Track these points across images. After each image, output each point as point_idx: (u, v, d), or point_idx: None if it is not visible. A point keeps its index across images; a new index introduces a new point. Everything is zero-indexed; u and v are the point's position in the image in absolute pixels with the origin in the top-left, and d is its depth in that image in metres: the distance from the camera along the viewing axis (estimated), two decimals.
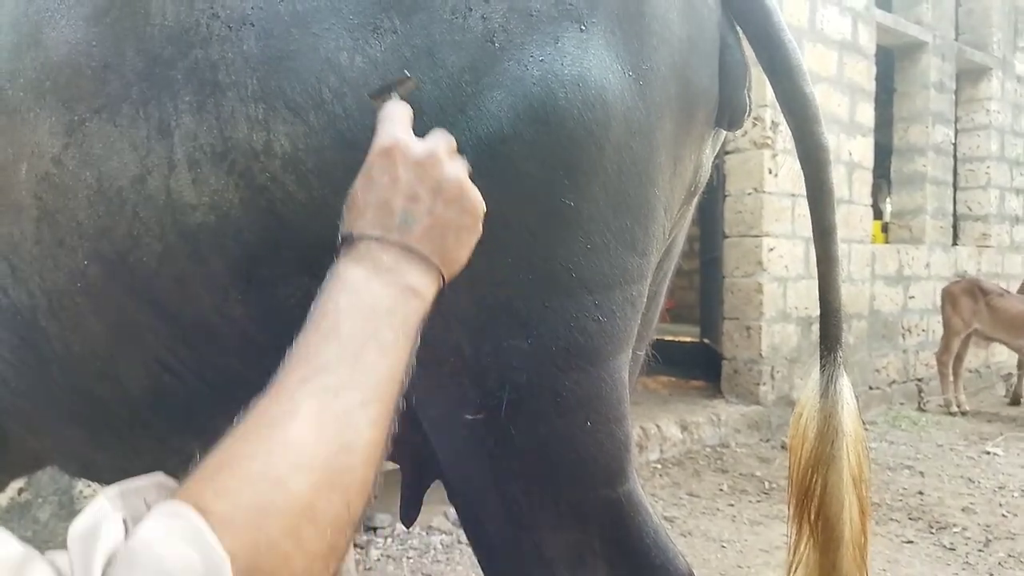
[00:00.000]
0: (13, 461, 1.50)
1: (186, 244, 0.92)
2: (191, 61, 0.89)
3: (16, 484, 2.82)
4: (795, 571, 1.12)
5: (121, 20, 0.93)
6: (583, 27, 0.84)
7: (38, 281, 1.02)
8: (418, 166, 0.73)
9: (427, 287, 0.71)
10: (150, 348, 1.02)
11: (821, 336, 1.14)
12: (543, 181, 0.85)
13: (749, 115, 1.08)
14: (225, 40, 0.87)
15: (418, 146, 0.74)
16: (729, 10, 1.03)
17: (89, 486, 3.02)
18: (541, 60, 0.83)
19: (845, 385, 1.11)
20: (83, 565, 0.43)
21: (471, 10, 0.83)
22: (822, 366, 1.12)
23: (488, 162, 0.83)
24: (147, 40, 0.91)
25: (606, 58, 0.85)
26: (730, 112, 1.04)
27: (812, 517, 1.06)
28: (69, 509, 3.06)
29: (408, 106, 0.78)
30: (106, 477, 1.51)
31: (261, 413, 0.59)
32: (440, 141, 0.76)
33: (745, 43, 1.05)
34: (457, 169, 0.75)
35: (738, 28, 1.04)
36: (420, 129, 0.78)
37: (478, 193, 0.75)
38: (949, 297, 6.07)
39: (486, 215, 0.77)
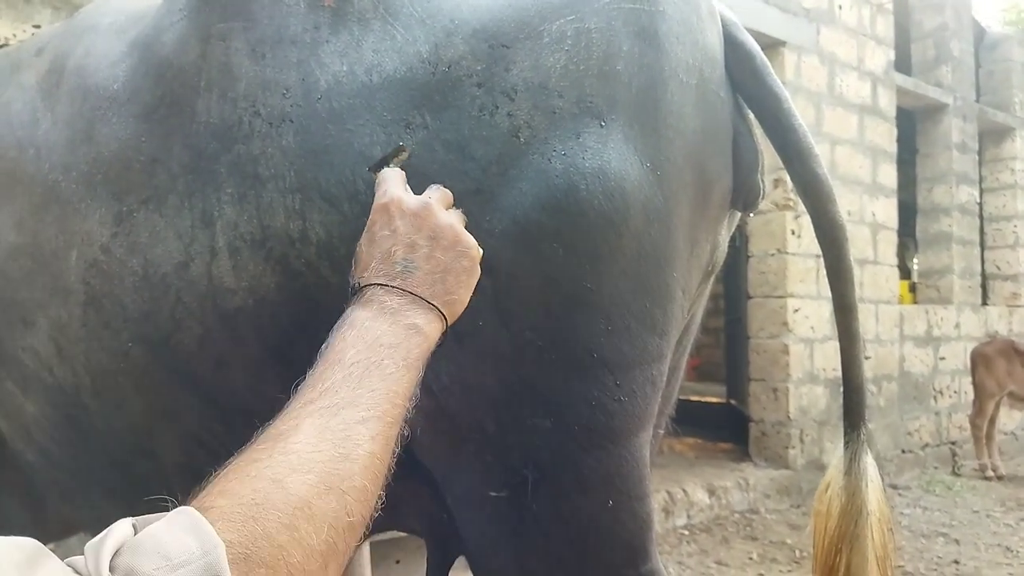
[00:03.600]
0: (49, 528, 1.53)
1: (225, 326, 0.97)
2: (234, 155, 0.95)
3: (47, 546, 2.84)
4: None
5: (169, 117, 0.99)
6: (603, 123, 0.89)
7: (83, 361, 1.07)
8: (414, 217, 0.80)
9: (429, 325, 0.76)
10: (187, 425, 1.05)
11: (844, 412, 1.15)
12: (566, 266, 0.88)
13: (763, 198, 1.11)
14: (266, 136, 0.93)
15: (412, 200, 0.81)
16: (741, 98, 1.07)
17: None
18: (564, 154, 0.87)
19: (870, 462, 1.11)
20: (95, 557, 0.47)
21: (497, 107, 0.88)
22: (846, 443, 1.13)
23: (514, 248, 0.87)
24: (193, 136, 0.97)
25: (625, 151, 0.89)
26: (744, 195, 1.08)
27: None
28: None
29: (401, 171, 0.86)
30: None
31: (268, 431, 0.63)
32: (434, 194, 0.84)
33: (757, 128, 1.10)
34: (451, 217, 0.81)
35: (750, 115, 1.08)
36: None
37: (471, 238, 0.81)
38: (982, 358, 5.96)
39: (514, 298, 0.82)
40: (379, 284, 0.76)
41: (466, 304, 0.81)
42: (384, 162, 0.87)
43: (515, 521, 0.95)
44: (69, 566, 0.46)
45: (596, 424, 0.92)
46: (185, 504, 0.54)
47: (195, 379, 1.01)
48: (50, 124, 1.12)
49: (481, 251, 0.82)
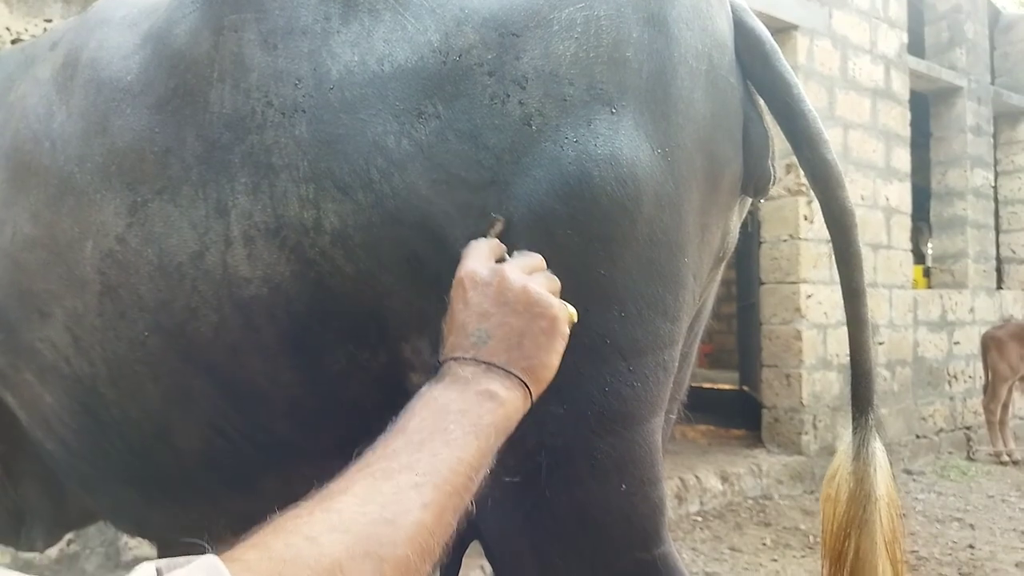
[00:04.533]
0: (69, 517, 1.56)
1: (240, 315, 0.98)
2: (247, 146, 0.95)
3: (66, 536, 2.89)
4: None
5: (182, 108, 1.00)
6: (614, 109, 0.89)
7: (99, 351, 1.09)
8: (486, 286, 0.78)
9: (506, 392, 0.73)
10: (204, 413, 1.07)
11: (853, 397, 1.15)
12: (579, 253, 0.89)
13: (774, 183, 1.11)
14: (279, 126, 0.94)
15: (484, 269, 0.79)
16: (751, 84, 1.07)
17: (135, 538, 3.08)
18: (575, 141, 0.88)
19: (878, 448, 1.11)
20: None
21: (508, 96, 0.88)
22: (854, 428, 1.13)
23: (528, 236, 0.88)
24: (206, 126, 0.98)
25: (636, 138, 0.89)
26: (755, 181, 1.08)
27: None
28: (115, 560, 3.12)
29: (493, 240, 0.85)
30: (157, 534, 1.56)
31: (320, 492, 0.61)
32: (515, 260, 0.82)
33: (767, 113, 1.09)
34: (524, 280, 0.79)
35: (760, 100, 1.08)
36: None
37: (551, 297, 0.79)
38: (994, 342, 5.92)
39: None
40: (454, 359, 0.75)
41: (554, 367, 0.78)
42: (479, 234, 0.86)
43: (529, 506, 0.96)
44: None
45: (609, 410, 0.92)
46: (218, 549, 0.54)
47: (211, 367, 1.03)
48: (65, 117, 1.13)
49: (572, 311, 0.80)
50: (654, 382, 0.96)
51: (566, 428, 0.92)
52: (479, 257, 0.81)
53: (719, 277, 1.22)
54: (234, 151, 0.96)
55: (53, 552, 2.93)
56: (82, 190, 1.07)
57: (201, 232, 0.98)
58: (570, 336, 0.87)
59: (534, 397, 0.76)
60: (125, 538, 3.09)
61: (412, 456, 0.64)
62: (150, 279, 1.02)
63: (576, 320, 0.81)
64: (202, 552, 0.52)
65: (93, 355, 1.11)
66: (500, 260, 0.83)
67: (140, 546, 3.13)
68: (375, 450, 0.66)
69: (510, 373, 0.74)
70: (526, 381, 0.75)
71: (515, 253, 0.85)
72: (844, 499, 1.09)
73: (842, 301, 1.17)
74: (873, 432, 1.12)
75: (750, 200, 1.16)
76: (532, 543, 0.98)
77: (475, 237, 0.86)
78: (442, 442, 0.66)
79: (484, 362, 0.74)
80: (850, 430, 1.16)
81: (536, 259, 0.83)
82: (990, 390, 5.95)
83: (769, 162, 1.07)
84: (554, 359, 0.78)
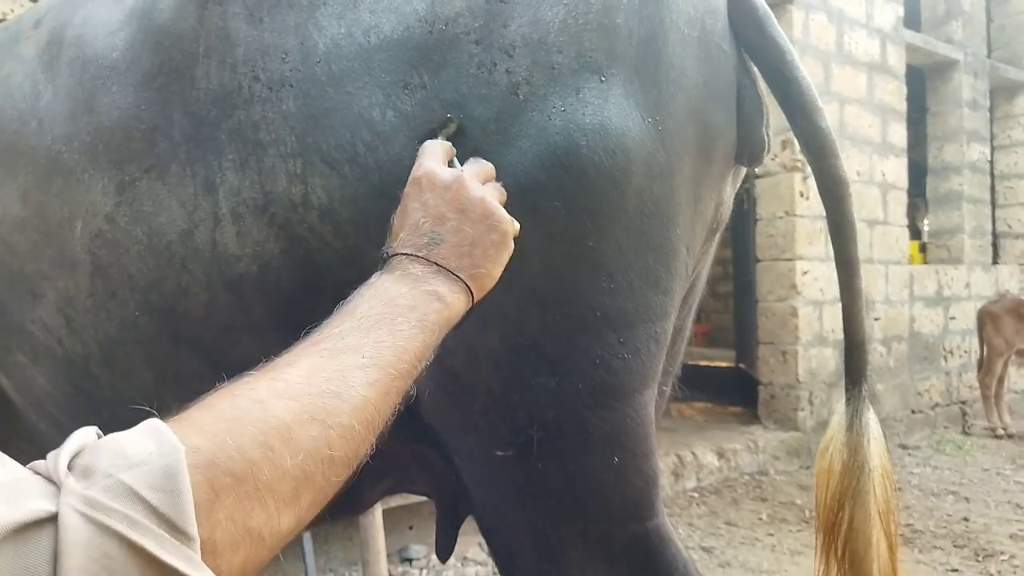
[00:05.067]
0: None
1: (231, 293, 0.97)
2: (234, 121, 0.94)
3: None
4: None
5: (168, 85, 0.99)
6: (603, 78, 0.88)
7: (91, 332, 1.08)
8: (445, 190, 0.79)
9: (451, 295, 0.75)
10: (197, 392, 1.06)
11: (846, 369, 1.15)
12: (567, 225, 0.88)
13: (768, 152, 1.10)
14: (266, 101, 0.93)
15: (445, 173, 0.81)
16: (744, 51, 1.06)
17: None
18: (563, 110, 0.87)
19: (871, 419, 1.11)
20: (55, 458, 0.47)
21: (496, 65, 0.87)
22: (847, 399, 1.13)
23: (515, 207, 0.87)
24: (193, 103, 0.97)
25: (625, 106, 0.88)
26: (749, 150, 1.07)
27: (839, 553, 1.06)
28: None
29: (446, 143, 0.85)
30: None
31: (266, 365, 0.63)
32: (471, 167, 0.84)
33: (761, 81, 1.08)
34: (483, 191, 0.81)
35: (753, 68, 1.07)
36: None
37: (504, 212, 0.81)
38: (990, 317, 5.94)
39: (517, 257, 0.81)
40: (405, 254, 0.76)
41: (496, 279, 0.80)
42: (432, 134, 0.87)
43: (522, 480, 0.96)
44: (30, 468, 0.46)
45: (600, 382, 0.92)
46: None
47: (203, 346, 1.02)
48: (51, 95, 1.12)
49: (517, 225, 0.81)
50: (646, 354, 0.95)
51: (558, 401, 0.92)
52: (436, 158, 0.83)
53: (713, 249, 1.22)
54: (221, 127, 0.95)
55: None
56: (70, 170, 1.06)
57: (190, 210, 0.98)
58: (560, 307, 0.88)
59: (475, 303, 0.78)
60: None
61: (359, 339, 0.66)
62: (140, 258, 1.01)
63: (519, 234, 0.83)
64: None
65: (85, 335, 1.10)
66: (451, 164, 0.85)
67: None
68: (322, 330, 0.67)
69: (458, 278, 0.77)
70: (471, 287, 0.77)
71: (469, 160, 0.85)
72: (838, 470, 1.09)
73: (836, 274, 1.16)
74: (867, 403, 1.12)
75: (744, 170, 1.16)
76: (526, 517, 0.98)
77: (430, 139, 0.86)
78: (388, 331, 0.68)
79: (435, 263, 0.76)
80: (843, 402, 1.16)
81: (488, 168, 0.84)
82: (986, 364, 5.97)
83: (763, 130, 1.06)
84: (498, 271, 0.80)
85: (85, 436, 0.50)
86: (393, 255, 0.77)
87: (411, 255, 0.76)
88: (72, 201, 1.06)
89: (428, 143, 0.85)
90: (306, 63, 0.92)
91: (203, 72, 0.97)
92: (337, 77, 0.91)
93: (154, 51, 1.01)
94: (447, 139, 0.86)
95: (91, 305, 1.07)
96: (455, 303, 0.76)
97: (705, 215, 1.05)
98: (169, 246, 0.99)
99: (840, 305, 1.16)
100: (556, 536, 0.97)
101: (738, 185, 1.19)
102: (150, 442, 0.48)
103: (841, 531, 1.07)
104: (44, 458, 0.48)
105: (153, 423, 0.51)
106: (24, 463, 0.47)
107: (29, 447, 1.35)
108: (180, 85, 0.98)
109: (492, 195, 0.82)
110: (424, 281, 0.75)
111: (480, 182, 0.82)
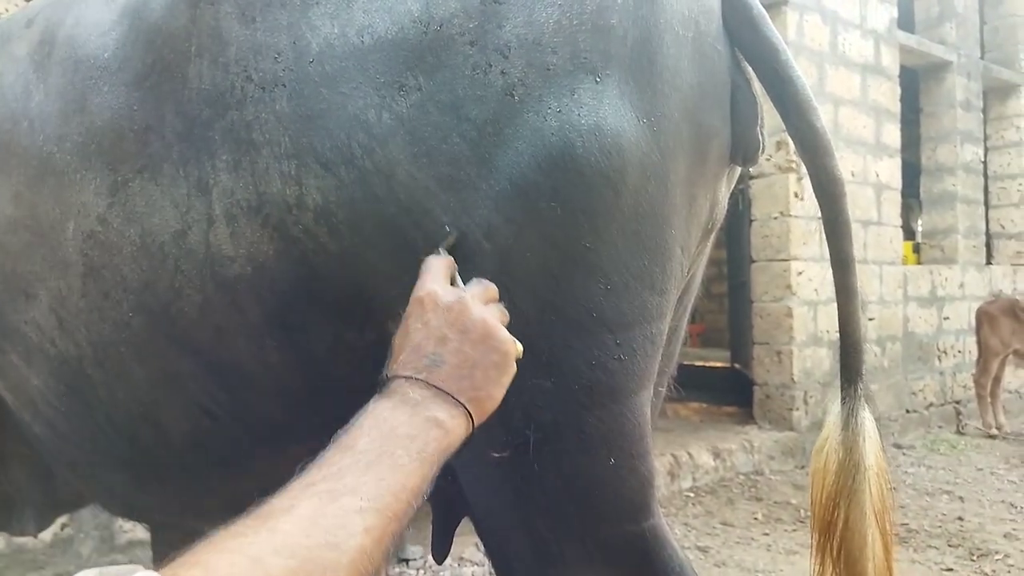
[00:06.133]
0: (60, 500, 1.55)
1: (225, 294, 0.97)
2: (227, 122, 0.94)
3: (59, 520, 2.89)
4: None
5: (160, 84, 0.99)
6: (598, 79, 0.88)
7: (84, 332, 1.08)
8: (447, 311, 0.79)
9: (452, 420, 0.74)
10: (191, 394, 1.06)
11: (841, 368, 1.15)
12: (563, 226, 0.88)
13: (763, 151, 1.10)
14: (259, 101, 0.93)
15: (448, 293, 0.80)
16: (739, 51, 1.06)
17: (129, 521, 3.08)
18: (559, 111, 0.87)
19: (867, 418, 1.11)
20: None
21: (491, 66, 0.87)
22: (843, 399, 1.13)
23: (511, 208, 0.87)
24: (186, 103, 0.96)
25: (620, 107, 0.88)
26: (744, 150, 1.07)
27: (835, 553, 1.06)
28: (110, 544, 3.12)
29: (448, 259, 0.85)
30: (147, 517, 1.56)
31: (262, 507, 0.61)
32: (474, 288, 0.83)
33: (756, 81, 1.08)
34: (484, 312, 0.80)
35: (748, 67, 1.07)
36: (452, 186, 0.86)
37: (506, 333, 0.80)
38: (987, 317, 5.96)
39: (513, 259, 0.81)
40: (404, 377, 0.75)
41: (498, 401, 0.79)
42: (433, 248, 0.86)
43: (518, 480, 0.96)
44: None
45: (597, 383, 0.92)
46: (162, 561, 0.53)
47: (196, 347, 1.02)
48: (43, 95, 1.11)
49: (520, 347, 0.81)
50: (642, 355, 0.95)
51: (554, 402, 0.92)
52: (439, 278, 0.82)
53: (708, 249, 1.22)
54: (214, 127, 0.95)
55: (47, 536, 2.93)
56: (62, 170, 1.06)
57: (183, 211, 0.97)
58: (556, 308, 0.87)
59: (475, 427, 0.77)
60: (119, 521, 3.09)
61: (359, 478, 0.65)
62: (133, 259, 1.01)
63: (522, 356, 0.82)
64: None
65: (78, 336, 1.10)
66: (454, 280, 0.84)
67: (135, 529, 3.13)
68: (321, 467, 0.66)
69: (458, 402, 0.75)
70: (471, 411, 0.76)
71: (472, 280, 0.85)
72: (833, 469, 1.09)
73: (831, 274, 1.16)
74: (862, 402, 1.12)
75: (739, 170, 1.15)
76: (522, 517, 0.98)
77: (452, 230, 0.86)
78: (389, 467, 0.67)
79: (435, 386, 0.75)
80: (839, 401, 1.16)
81: (491, 288, 0.84)
82: (981, 364, 5.99)
83: (758, 130, 1.06)
84: (500, 393, 0.79)
85: None
86: (393, 378, 0.76)
87: (411, 378, 0.75)
88: (64, 202, 1.05)
89: (430, 260, 0.84)
90: (299, 63, 0.92)
91: (195, 72, 0.96)
92: (331, 77, 0.90)
93: (146, 50, 1.01)
94: (447, 251, 0.86)
95: (84, 306, 1.06)
96: (455, 428, 0.74)
97: (700, 215, 1.05)
98: (162, 247, 0.98)
99: (835, 305, 1.16)
100: (552, 536, 0.96)
101: (733, 185, 1.18)
102: None
103: (837, 530, 1.07)
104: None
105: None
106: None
107: (24, 448, 1.35)
108: (172, 85, 0.98)
109: (494, 316, 0.81)
110: (424, 407, 0.74)
111: (482, 303, 0.82)
